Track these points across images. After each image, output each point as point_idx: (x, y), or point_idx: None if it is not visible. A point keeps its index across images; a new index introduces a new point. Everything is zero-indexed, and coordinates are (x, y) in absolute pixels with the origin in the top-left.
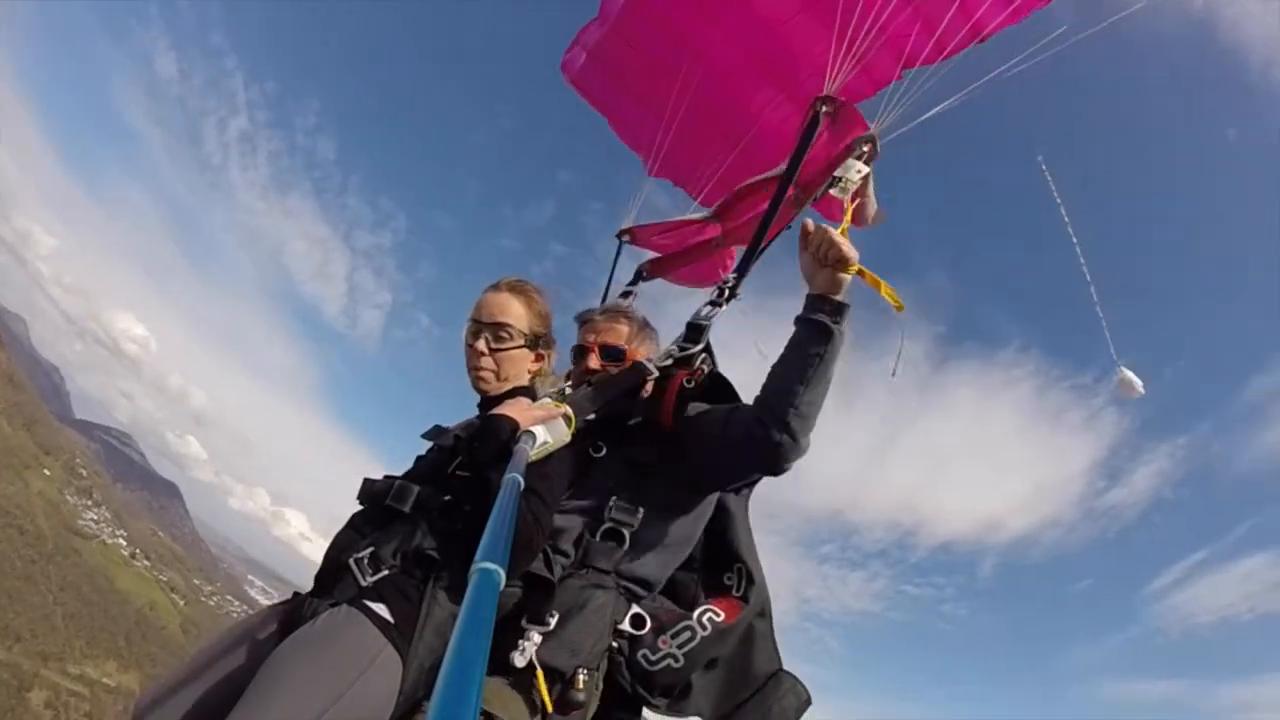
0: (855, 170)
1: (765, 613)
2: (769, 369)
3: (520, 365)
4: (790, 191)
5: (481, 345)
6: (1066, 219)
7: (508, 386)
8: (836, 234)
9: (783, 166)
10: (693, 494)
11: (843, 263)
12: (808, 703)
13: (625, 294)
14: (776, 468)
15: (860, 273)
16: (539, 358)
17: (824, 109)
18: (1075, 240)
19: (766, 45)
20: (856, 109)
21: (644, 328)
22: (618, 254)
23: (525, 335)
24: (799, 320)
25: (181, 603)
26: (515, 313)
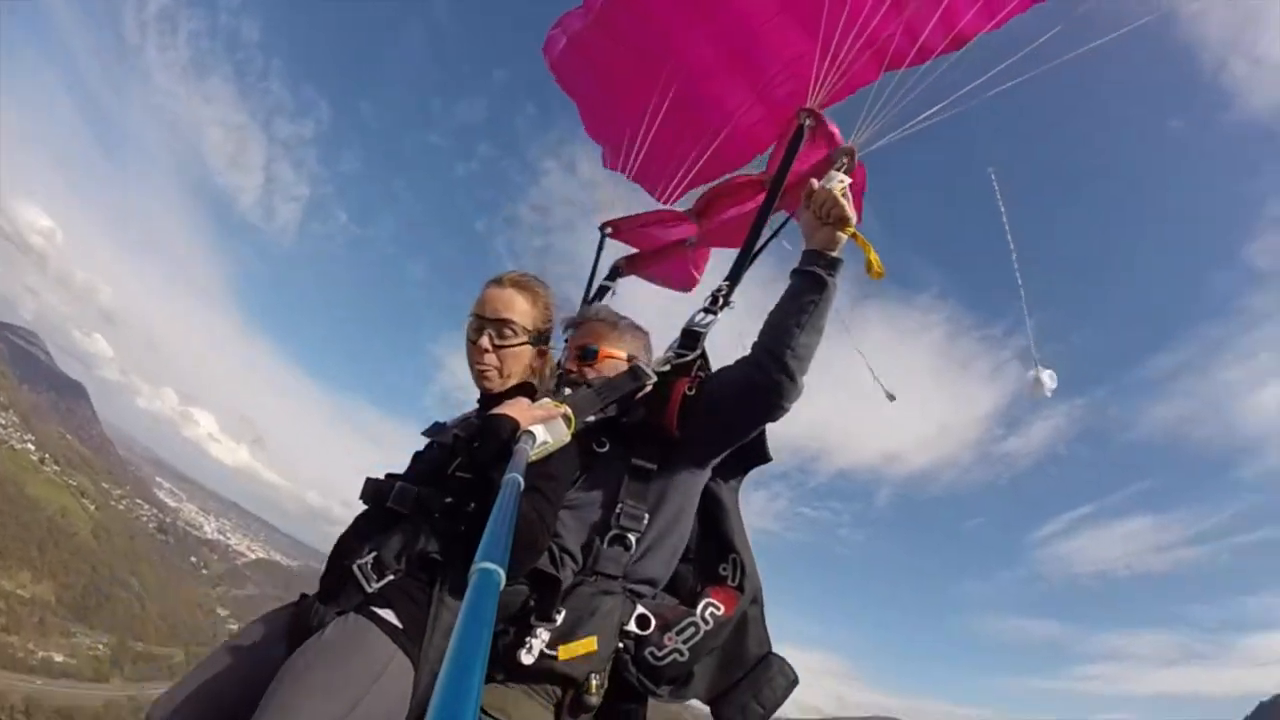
0: (837, 181)
1: (757, 599)
2: (765, 318)
3: (523, 362)
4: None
5: (485, 342)
6: (1006, 224)
7: (511, 383)
8: (839, 195)
9: (759, 170)
10: (695, 475)
11: (843, 222)
12: (795, 683)
13: (603, 290)
14: (777, 407)
15: (854, 235)
16: (541, 354)
17: (807, 122)
18: (1011, 243)
19: (745, 46)
20: (834, 124)
21: (615, 326)
22: (600, 247)
23: (529, 332)
24: (795, 273)
25: (92, 508)
26: (520, 309)
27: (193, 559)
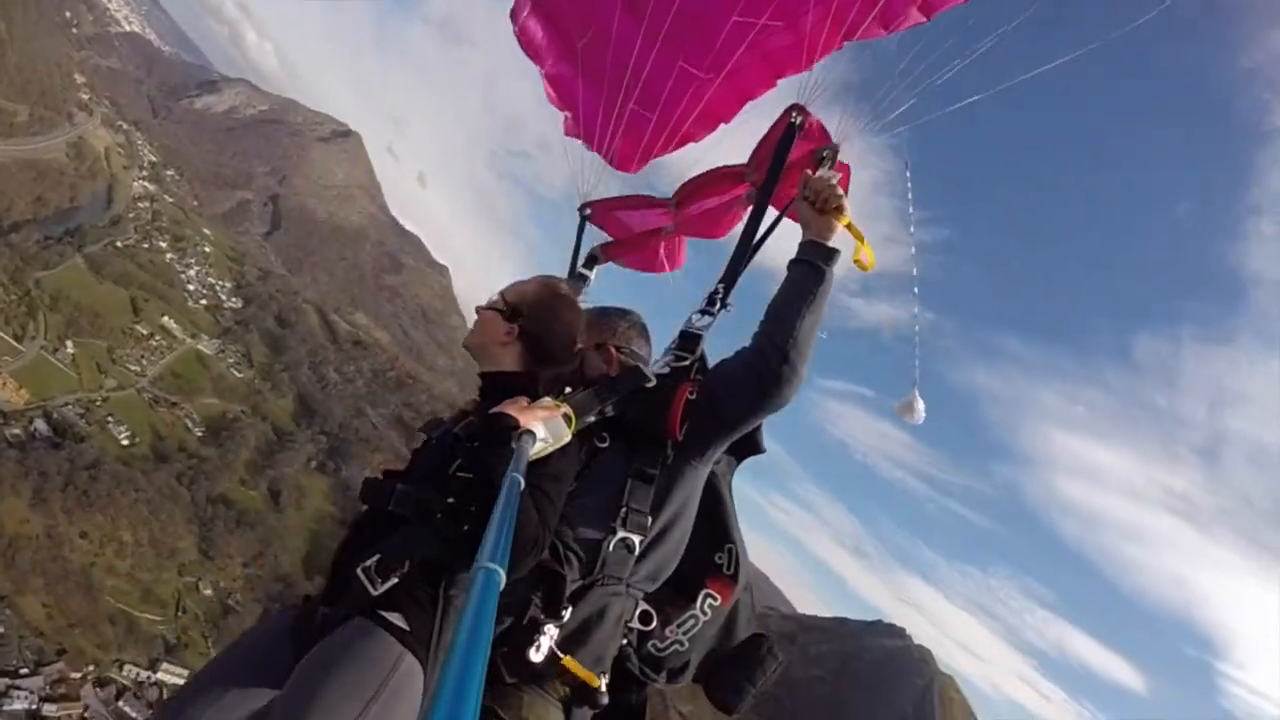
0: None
1: (748, 587)
2: (766, 308)
3: (488, 330)
4: (746, 189)
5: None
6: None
7: (481, 353)
8: (836, 183)
9: (742, 165)
10: (697, 471)
11: (839, 211)
12: (783, 663)
13: (581, 278)
14: (780, 398)
15: (848, 225)
16: (510, 332)
17: (798, 119)
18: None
19: (699, 12)
20: (821, 121)
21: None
22: (580, 230)
23: (507, 305)
24: (793, 263)
25: None
26: (519, 287)
27: (67, 14)
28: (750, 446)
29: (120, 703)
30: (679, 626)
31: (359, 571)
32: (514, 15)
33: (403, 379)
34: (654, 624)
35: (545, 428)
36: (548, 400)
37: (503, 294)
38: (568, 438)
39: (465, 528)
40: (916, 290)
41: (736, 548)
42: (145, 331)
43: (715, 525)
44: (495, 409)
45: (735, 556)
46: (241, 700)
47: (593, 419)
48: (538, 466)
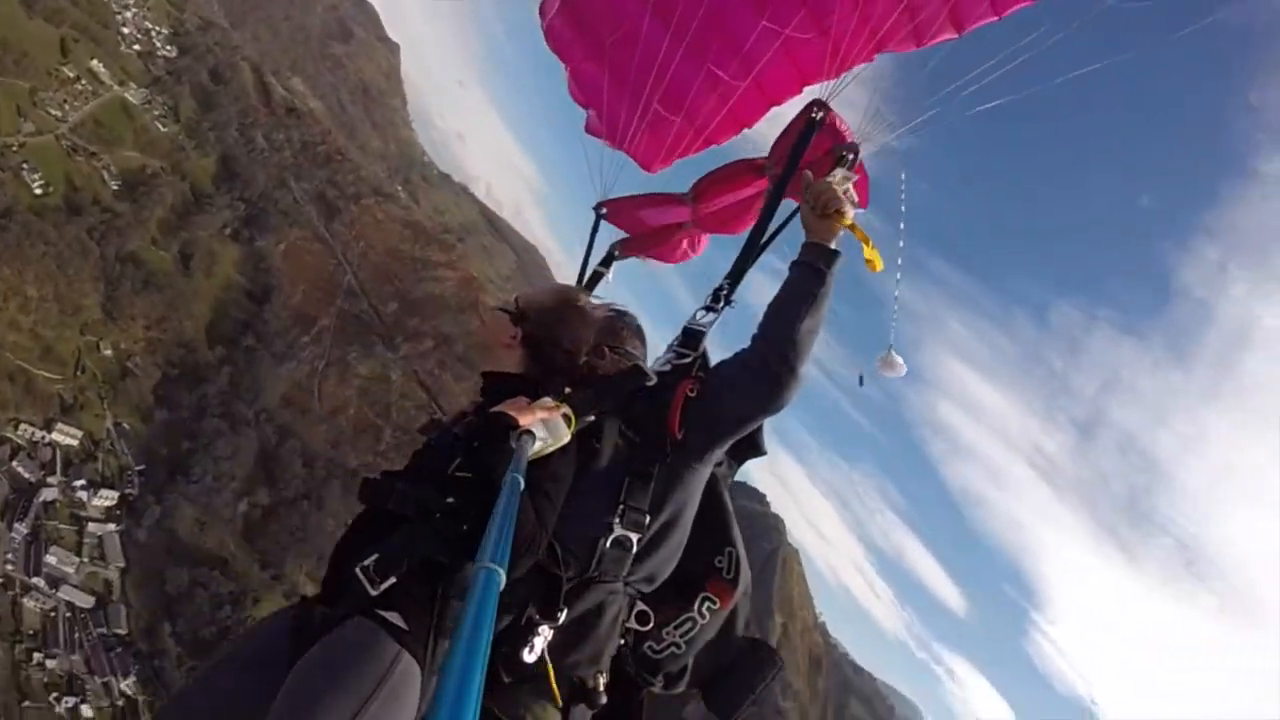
0: (840, 177)
1: (747, 591)
2: (764, 310)
3: (495, 330)
4: (764, 182)
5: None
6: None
7: (486, 352)
8: (837, 187)
9: (762, 158)
10: (697, 473)
11: (839, 215)
12: (781, 668)
13: (596, 276)
14: (779, 399)
15: (851, 227)
16: (514, 336)
17: (818, 115)
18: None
19: (723, 18)
20: (841, 117)
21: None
22: (595, 228)
23: (518, 307)
24: (795, 264)
25: None
26: (535, 293)
27: None
28: (751, 448)
29: (14, 463)
30: (676, 629)
31: (358, 571)
32: (542, 13)
33: (331, 155)
34: (651, 625)
35: (545, 427)
36: (547, 400)
37: (517, 297)
38: (567, 438)
39: (464, 527)
40: (900, 261)
41: (737, 551)
42: (71, 74)
43: (715, 528)
44: (495, 408)
45: (736, 560)
46: (241, 700)
47: (592, 419)
48: (537, 466)
